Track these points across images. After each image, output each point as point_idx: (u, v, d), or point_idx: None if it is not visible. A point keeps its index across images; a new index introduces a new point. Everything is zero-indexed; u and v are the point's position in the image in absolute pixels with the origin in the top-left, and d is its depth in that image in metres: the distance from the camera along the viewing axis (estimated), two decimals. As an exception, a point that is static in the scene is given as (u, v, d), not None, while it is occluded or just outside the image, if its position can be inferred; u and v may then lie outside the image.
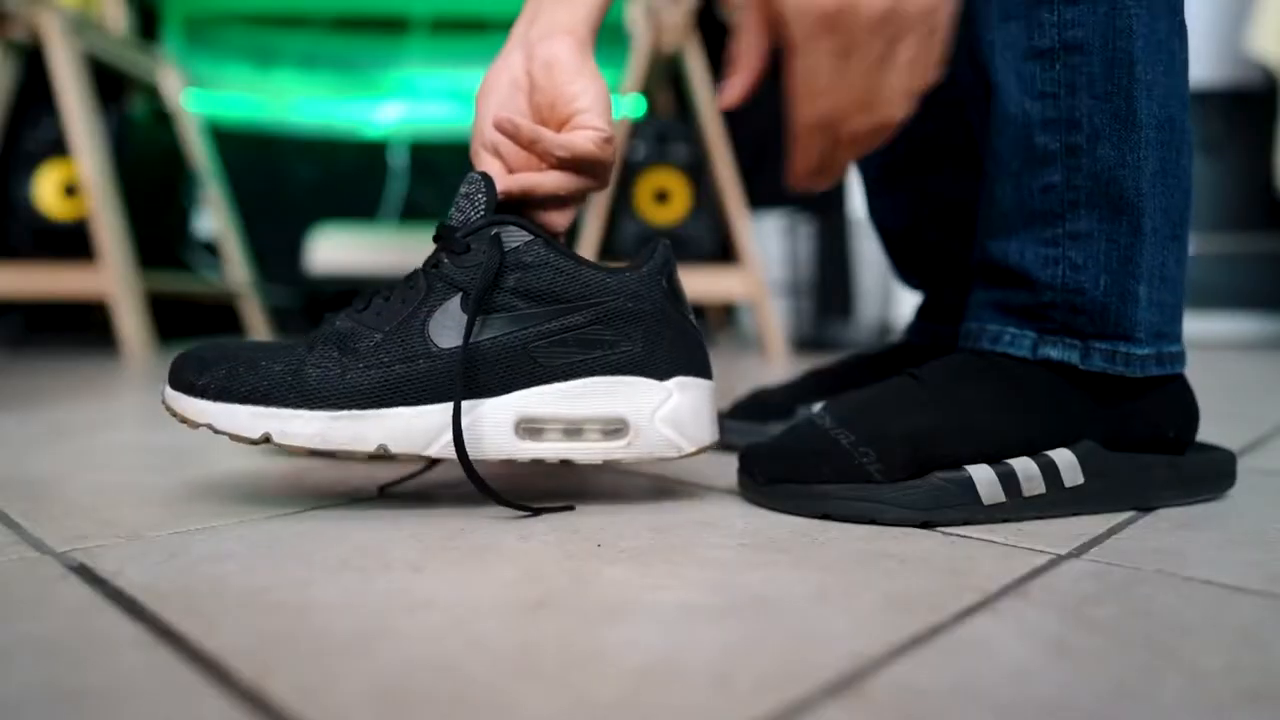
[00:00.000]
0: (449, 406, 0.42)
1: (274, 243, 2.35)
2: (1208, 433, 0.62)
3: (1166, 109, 0.45)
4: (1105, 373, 0.46)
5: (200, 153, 2.06)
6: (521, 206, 0.49)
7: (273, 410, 0.41)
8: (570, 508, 0.46)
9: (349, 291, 2.28)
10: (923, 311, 0.68)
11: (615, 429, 0.44)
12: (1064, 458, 0.44)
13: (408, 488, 0.51)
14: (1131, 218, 0.45)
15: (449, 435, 0.42)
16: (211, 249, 2.18)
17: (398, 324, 0.43)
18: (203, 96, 2.35)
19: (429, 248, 0.47)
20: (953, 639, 0.28)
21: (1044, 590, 0.33)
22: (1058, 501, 0.44)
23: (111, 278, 1.57)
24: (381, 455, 0.42)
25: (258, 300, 2.12)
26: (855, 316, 2.24)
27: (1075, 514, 0.45)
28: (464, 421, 0.42)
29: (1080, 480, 0.44)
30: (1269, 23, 2.01)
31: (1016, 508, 0.44)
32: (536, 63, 0.48)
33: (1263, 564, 0.36)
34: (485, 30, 2.52)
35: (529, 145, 0.47)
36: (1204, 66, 2.27)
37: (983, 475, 0.44)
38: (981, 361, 0.48)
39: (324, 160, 2.49)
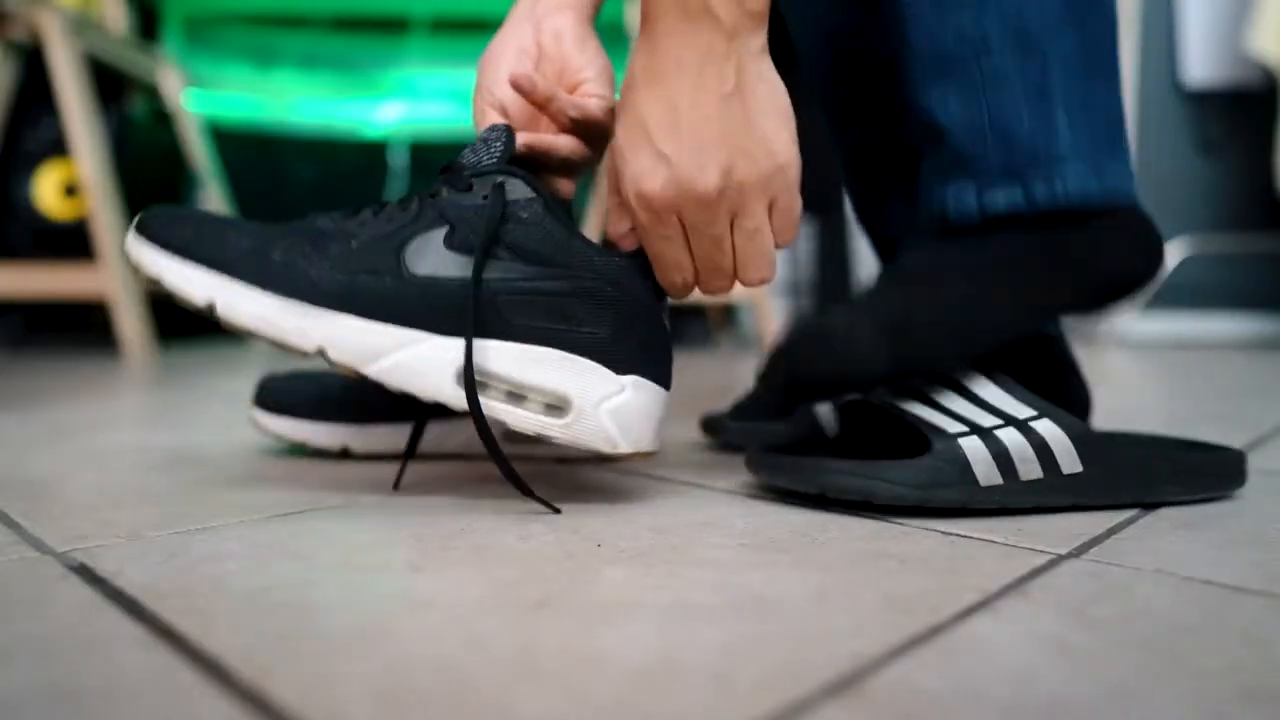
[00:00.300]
0: (396, 331, 0.42)
1: (274, 243, 2.35)
2: (1208, 433, 0.62)
3: None
4: (1053, 210, 0.45)
5: (200, 153, 2.06)
6: (534, 168, 0.51)
7: (226, 280, 0.41)
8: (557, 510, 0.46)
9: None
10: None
11: (557, 406, 0.44)
12: (1056, 438, 0.45)
13: (409, 486, 0.51)
14: (1042, 51, 0.44)
15: (390, 360, 0.42)
16: (211, 249, 2.17)
17: (377, 237, 0.43)
18: (203, 96, 2.35)
19: None
20: (953, 639, 0.28)
21: (1044, 590, 0.33)
22: (1055, 488, 0.45)
23: (111, 278, 1.57)
24: (316, 357, 0.42)
25: (258, 300, 2.12)
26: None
27: (1075, 505, 0.45)
28: (404, 354, 0.42)
29: (1079, 468, 0.44)
30: (1269, 23, 2.01)
31: (1014, 492, 0.44)
32: (545, 33, 0.51)
33: (1263, 564, 0.36)
34: (485, 30, 2.52)
35: (544, 104, 0.49)
36: (1204, 66, 2.27)
37: (977, 453, 0.44)
38: (940, 243, 0.48)
39: (324, 160, 2.49)
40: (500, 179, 0.44)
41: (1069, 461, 0.44)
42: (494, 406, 0.43)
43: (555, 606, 0.31)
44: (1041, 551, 0.38)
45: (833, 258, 2.20)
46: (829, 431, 0.59)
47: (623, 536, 0.41)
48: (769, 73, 0.41)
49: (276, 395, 0.61)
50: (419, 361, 0.42)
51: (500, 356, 0.43)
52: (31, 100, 1.73)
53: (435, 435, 0.60)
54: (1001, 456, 0.44)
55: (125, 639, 0.28)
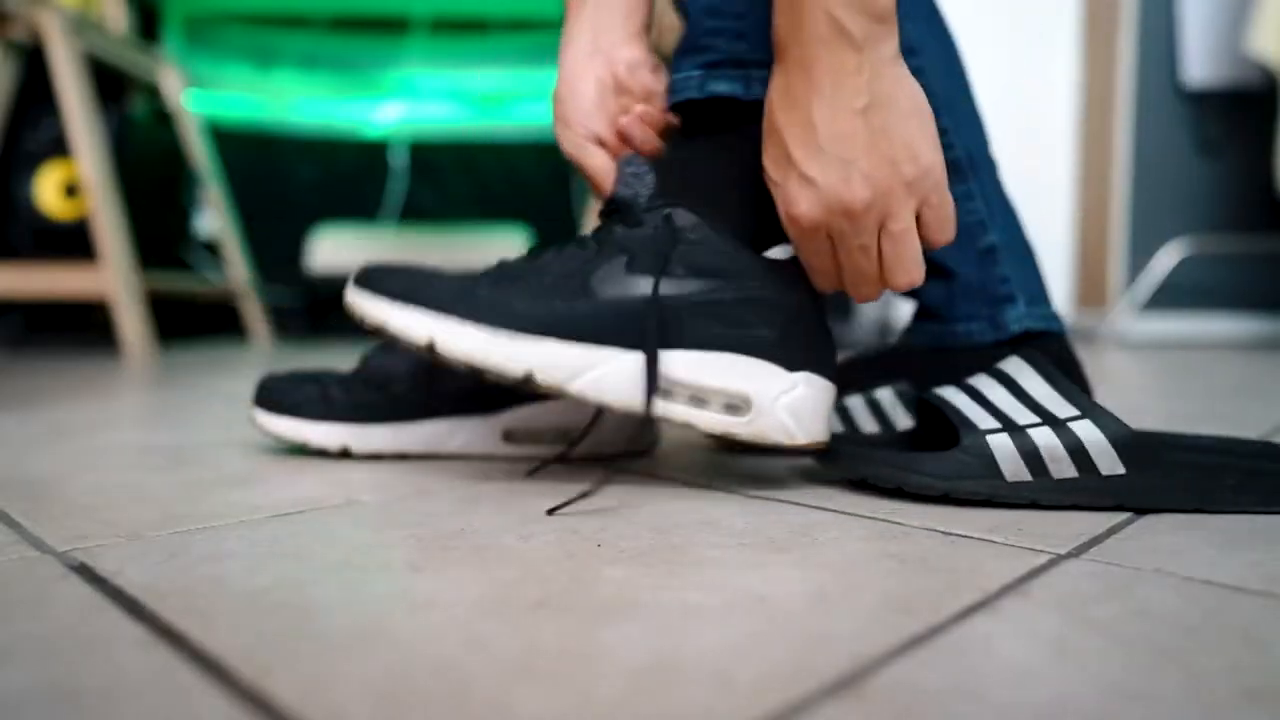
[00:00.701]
0: (594, 350, 0.45)
1: (274, 243, 2.35)
2: (1208, 433, 0.62)
3: None
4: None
5: (200, 153, 2.06)
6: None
7: (442, 319, 0.45)
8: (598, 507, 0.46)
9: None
10: (919, 312, 0.68)
11: (737, 405, 0.46)
12: (1094, 440, 0.45)
13: (409, 486, 0.51)
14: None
15: (589, 376, 0.45)
16: (212, 249, 2.18)
17: (567, 273, 0.46)
18: (203, 96, 2.35)
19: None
20: (953, 639, 0.28)
21: (1044, 590, 0.33)
22: (1093, 488, 0.44)
23: (112, 278, 1.57)
24: (524, 382, 0.45)
25: (258, 300, 2.12)
26: (855, 316, 2.24)
27: (1119, 506, 0.45)
28: (602, 370, 0.45)
29: (1120, 470, 0.44)
30: (1268, 23, 2.01)
31: (1045, 489, 0.45)
32: (619, 65, 0.55)
33: (1263, 564, 0.36)
34: (485, 30, 2.52)
35: (642, 145, 0.55)
36: (1204, 66, 2.27)
37: (1004, 449, 0.45)
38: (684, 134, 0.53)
39: (324, 160, 2.49)
40: (667, 210, 0.48)
41: (1108, 463, 0.44)
42: (680, 411, 0.46)
43: (555, 606, 0.31)
44: (1042, 551, 0.38)
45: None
46: (899, 426, 0.60)
47: (623, 536, 0.41)
48: (904, 77, 0.42)
49: (277, 395, 0.61)
50: (614, 376, 0.45)
51: (684, 364, 0.46)
52: (32, 100, 1.74)
53: (434, 435, 0.60)
54: (1031, 454, 0.45)
55: (125, 639, 0.28)
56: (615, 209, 0.49)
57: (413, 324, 0.45)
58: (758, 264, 0.47)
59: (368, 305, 0.46)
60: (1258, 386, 1.14)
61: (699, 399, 0.46)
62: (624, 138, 0.54)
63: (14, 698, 0.24)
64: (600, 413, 0.47)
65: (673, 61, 0.53)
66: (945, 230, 0.44)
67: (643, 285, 0.46)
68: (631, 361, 0.45)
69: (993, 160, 0.64)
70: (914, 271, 0.44)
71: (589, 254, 0.47)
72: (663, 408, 0.46)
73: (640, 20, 0.56)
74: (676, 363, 0.46)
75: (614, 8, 0.55)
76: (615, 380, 0.45)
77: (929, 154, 0.42)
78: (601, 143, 0.55)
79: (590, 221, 1.81)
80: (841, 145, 0.41)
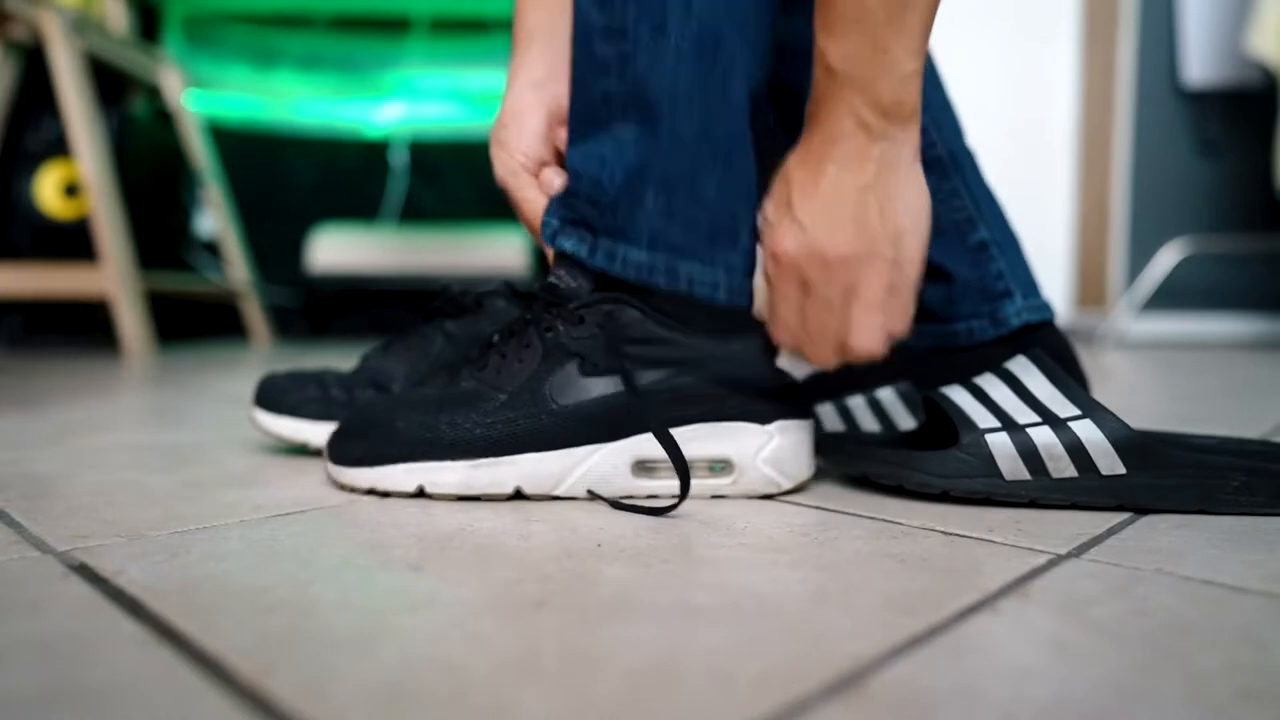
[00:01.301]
0: (571, 452, 0.48)
1: (274, 243, 2.35)
2: (1208, 433, 0.62)
3: (708, 25, 0.46)
4: (605, 273, 0.49)
5: (200, 152, 2.06)
6: None
7: (421, 465, 0.48)
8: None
9: (349, 293, 2.29)
10: (918, 314, 0.69)
11: (721, 467, 0.49)
12: (1093, 439, 0.45)
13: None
14: (654, 124, 0.47)
15: (574, 476, 0.48)
16: (212, 249, 2.18)
17: (520, 385, 0.49)
18: (203, 96, 2.35)
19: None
20: (953, 639, 0.28)
21: (1044, 590, 0.33)
22: (1093, 488, 0.45)
23: (112, 277, 1.57)
24: (517, 496, 0.48)
25: (258, 300, 2.12)
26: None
27: (1121, 505, 0.45)
28: (586, 466, 0.48)
29: (1120, 470, 0.44)
30: (1269, 23, 2.01)
31: (1045, 488, 0.45)
32: (562, 99, 0.55)
33: (1262, 564, 0.36)
34: (485, 30, 2.52)
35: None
36: (1204, 67, 2.27)
37: (1003, 448, 0.45)
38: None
39: (324, 160, 2.49)
40: (607, 308, 0.48)
41: (1108, 463, 0.44)
42: (668, 485, 0.48)
43: (555, 606, 0.31)
44: (1041, 551, 0.38)
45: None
46: (901, 426, 0.60)
47: (623, 536, 0.41)
48: (916, 178, 0.44)
49: (277, 395, 0.61)
50: (599, 469, 0.48)
51: (656, 444, 0.48)
52: (32, 100, 1.74)
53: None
54: (1029, 453, 0.45)
55: (126, 638, 0.28)
56: (552, 298, 0.50)
57: (400, 480, 0.48)
58: (713, 348, 0.49)
59: (353, 478, 0.49)
60: (1258, 386, 1.14)
61: (661, 467, 0.49)
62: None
63: (14, 698, 0.24)
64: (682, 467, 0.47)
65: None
66: (901, 322, 0.46)
67: (599, 386, 0.48)
68: (614, 452, 0.48)
69: (970, 152, 0.64)
70: (874, 342, 0.45)
71: (535, 362, 0.49)
72: (649, 485, 0.48)
73: None
74: (652, 444, 0.48)
75: (564, 47, 0.55)
76: (602, 472, 0.48)
77: (910, 250, 0.44)
78: (545, 165, 0.56)
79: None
80: (836, 207, 0.44)
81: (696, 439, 0.48)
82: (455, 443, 0.48)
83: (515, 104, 0.55)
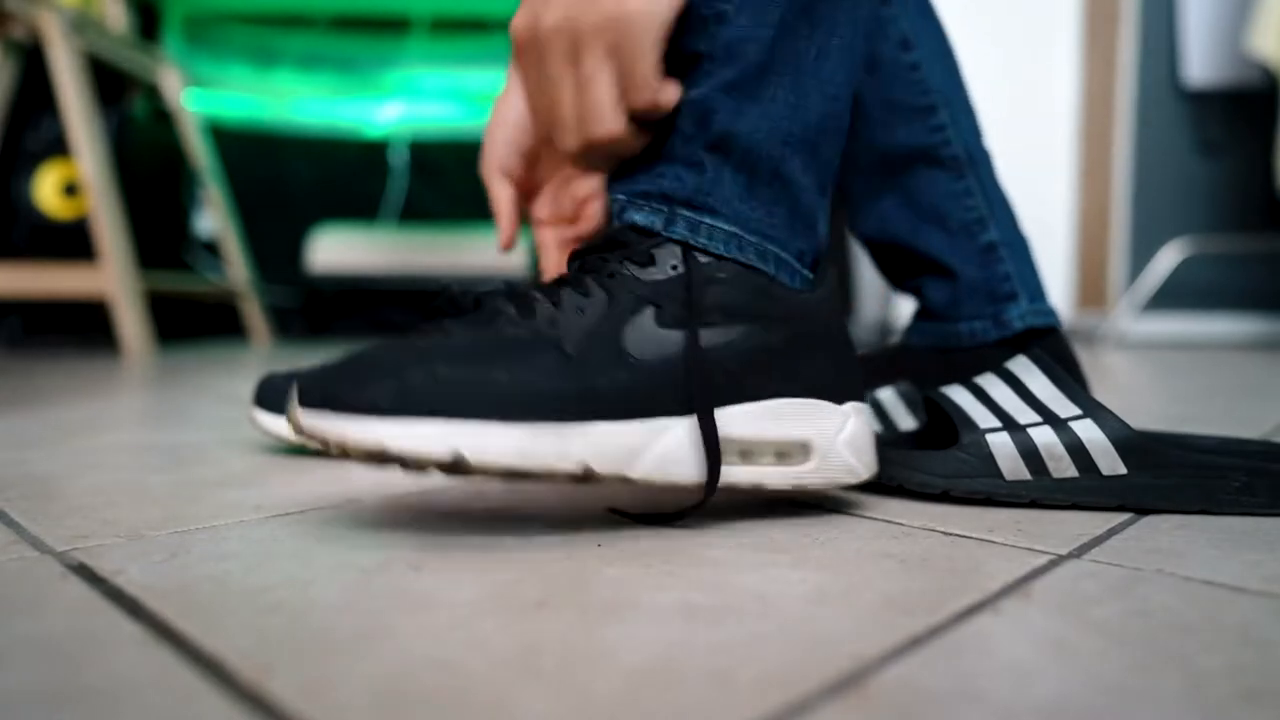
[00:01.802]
0: (650, 423, 0.39)
1: (274, 243, 2.35)
2: (1209, 433, 0.62)
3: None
4: (687, 243, 0.42)
5: (200, 152, 2.06)
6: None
7: (464, 425, 0.35)
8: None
9: (349, 293, 2.29)
10: (921, 312, 0.69)
11: (790, 453, 0.42)
12: (1094, 439, 0.45)
13: (409, 486, 0.51)
14: (742, 94, 0.42)
15: (650, 455, 0.39)
16: (211, 249, 2.18)
17: (588, 335, 0.39)
18: (203, 96, 2.35)
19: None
20: (953, 639, 0.28)
21: (1044, 590, 0.33)
22: (1094, 488, 0.45)
23: (111, 277, 1.57)
24: (582, 477, 0.38)
25: (258, 300, 2.12)
26: (855, 316, 2.24)
27: (1122, 506, 0.45)
28: (663, 443, 0.39)
29: (1121, 470, 0.44)
30: (1269, 23, 2.01)
31: (1046, 488, 0.45)
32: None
33: (1263, 564, 0.36)
34: (485, 30, 2.52)
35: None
36: (1204, 66, 2.27)
37: (1003, 448, 0.45)
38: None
39: (324, 160, 2.49)
40: (680, 245, 0.42)
41: (1109, 463, 0.44)
42: (739, 472, 0.41)
43: (555, 606, 0.31)
44: (1042, 552, 0.38)
45: (833, 257, 2.20)
46: (901, 426, 0.60)
47: (623, 536, 0.41)
48: None
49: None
50: (675, 449, 0.39)
51: (743, 421, 0.41)
52: (32, 100, 1.74)
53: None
54: (1030, 453, 0.45)
55: (125, 639, 0.28)
56: (611, 240, 0.43)
57: (429, 439, 0.35)
58: (801, 297, 0.44)
59: (348, 429, 0.35)
60: (1258, 386, 1.14)
61: (748, 453, 0.41)
62: (540, 243, 0.55)
63: (13, 698, 0.24)
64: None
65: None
66: (639, 92, 0.41)
67: (681, 341, 0.40)
68: (692, 428, 0.40)
69: (988, 153, 0.64)
70: (607, 119, 0.41)
71: (601, 307, 0.40)
72: (726, 472, 0.41)
73: None
74: (737, 420, 0.41)
75: None
76: (678, 454, 0.39)
77: (638, 3, 0.40)
78: (510, 173, 0.55)
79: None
80: None
81: (778, 417, 0.41)
82: (515, 399, 0.36)
83: (501, 97, 0.55)
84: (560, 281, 0.42)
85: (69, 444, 0.66)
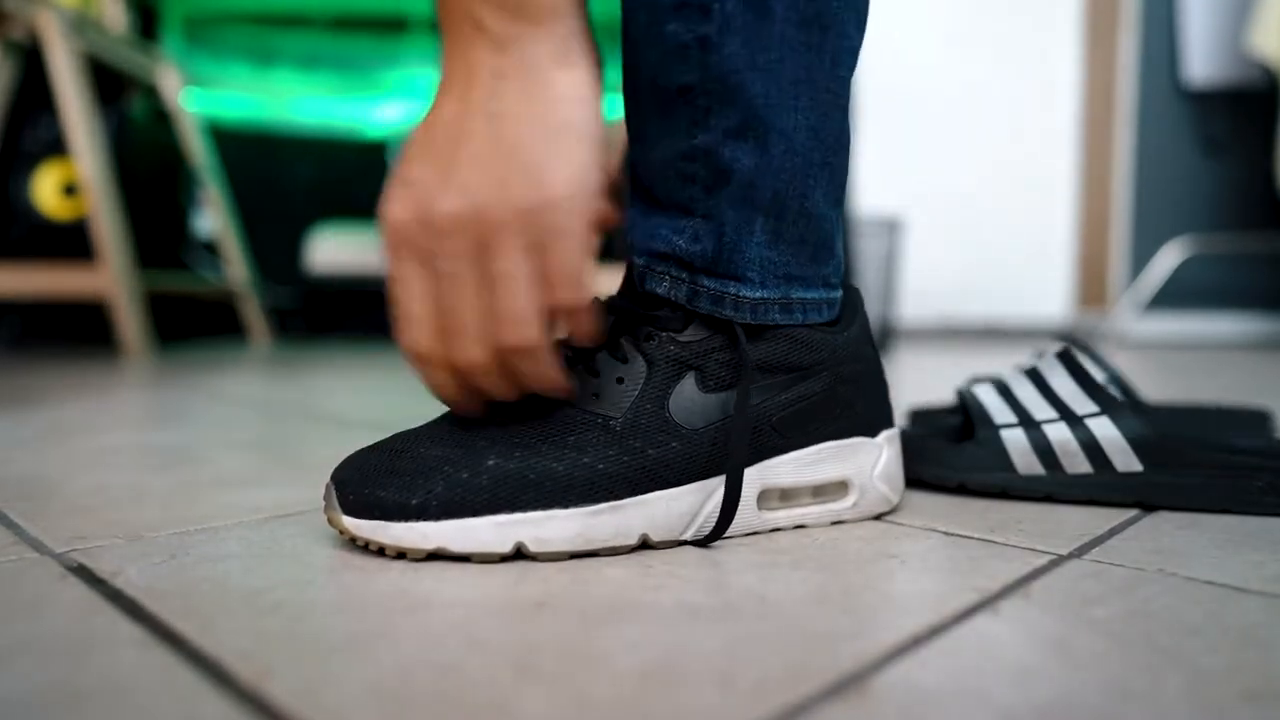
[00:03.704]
0: (704, 485, 0.39)
1: (274, 243, 2.35)
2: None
3: (814, 3, 0.37)
4: (713, 316, 0.40)
5: (200, 152, 2.06)
6: None
7: (520, 516, 0.36)
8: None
9: (349, 293, 2.29)
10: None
11: (828, 490, 0.43)
12: (1109, 436, 0.45)
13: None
14: (758, 132, 0.38)
15: (703, 516, 0.39)
16: (211, 249, 2.17)
17: (633, 407, 0.39)
18: (202, 96, 2.34)
19: None
20: (954, 639, 0.28)
21: (1045, 590, 0.33)
22: (1108, 484, 0.45)
23: (111, 277, 1.57)
24: (642, 548, 0.38)
25: (257, 300, 2.12)
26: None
27: (1139, 503, 0.45)
28: (713, 502, 0.39)
29: (1137, 467, 0.45)
30: (1270, 22, 2.01)
31: (1061, 484, 0.46)
32: None
33: (1264, 564, 0.36)
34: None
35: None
36: (1205, 66, 2.27)
37: (1017, 444, 0.46)
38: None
39: (324, 160, 2.49)
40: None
41: (1123, 460, 0.45)
42: (787, 516, 0.42)
43: (555, 606, 0.31)
44: (1042, 551, 0.38)
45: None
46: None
47: (623, 536, 0.40)
48: (561, 86, 0.34)
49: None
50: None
51: (791, 469, 0.42)
52: (31, 100, 1.73)
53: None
54: (1043, 448, 0.46)
55: (124, 640, 0.28)
56: (641, 309, 0.41)
57: (488, 537, 0.36)
58: (834, 341, 0.42)
59: (402, 535, 0.36)
60: (1260, 386, 1.14)
61: (787, 495, 0.42)
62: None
63: (13, 699, 0.24)
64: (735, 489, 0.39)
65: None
66: (567, 288, 0.35)
67: (723, 404, 0.39)
68: (748, 478, 0.40)
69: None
70: (524, 328, 0.35)
71: (640, 377, 0.39)
72: (771, 518, 0.41)
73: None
74: (783, 470, 0.41)
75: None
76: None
77: (561, 184, 0.33)
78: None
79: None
80: (451, 149, 0.34)
81: (820, 462, 0.42)
82: (571, 483, 0.36)
83: None
84: (596, 347, 0.40)
85: (68, 444, 0.66)
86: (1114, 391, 0.51)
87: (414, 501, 0.36)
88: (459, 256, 0.34)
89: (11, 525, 0.42)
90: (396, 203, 0.35)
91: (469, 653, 0.27)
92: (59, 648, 0.27)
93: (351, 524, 0.37)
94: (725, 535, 0.40)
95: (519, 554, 0.36)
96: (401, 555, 0.36)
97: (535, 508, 0.36)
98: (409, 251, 0.35)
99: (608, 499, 0.37)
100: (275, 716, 0.23)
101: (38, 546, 0.39)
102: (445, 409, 0.46)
